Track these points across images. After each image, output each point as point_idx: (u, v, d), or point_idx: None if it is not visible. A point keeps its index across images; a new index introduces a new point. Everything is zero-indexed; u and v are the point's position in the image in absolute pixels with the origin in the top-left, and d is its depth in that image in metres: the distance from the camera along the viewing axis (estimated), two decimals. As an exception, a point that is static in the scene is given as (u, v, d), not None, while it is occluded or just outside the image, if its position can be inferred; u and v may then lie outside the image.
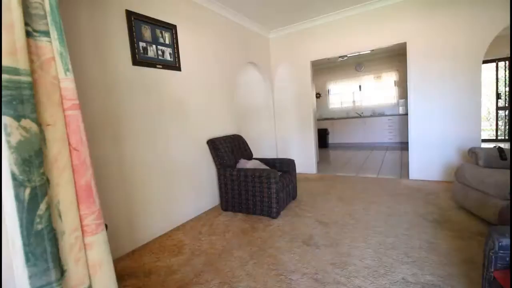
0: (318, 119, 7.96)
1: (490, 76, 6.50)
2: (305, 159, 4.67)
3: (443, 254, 1.88)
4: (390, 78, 7.33)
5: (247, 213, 2.89)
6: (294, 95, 4.66)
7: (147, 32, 2.49)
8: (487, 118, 6.76)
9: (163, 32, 2.65)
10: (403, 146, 6.64)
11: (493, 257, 1.18)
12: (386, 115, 7.07)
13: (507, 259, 1.16)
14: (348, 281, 1.67)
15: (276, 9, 3.72)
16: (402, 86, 7.03)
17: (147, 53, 2.48)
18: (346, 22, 4.04)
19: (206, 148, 3.14)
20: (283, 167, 3.22)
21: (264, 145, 4.90)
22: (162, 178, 2.59)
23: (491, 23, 3.13)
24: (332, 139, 7.81)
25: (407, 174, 3.88)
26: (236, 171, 2.88)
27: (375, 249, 2.01)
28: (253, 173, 2.75)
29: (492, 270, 1.18)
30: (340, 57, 6.81)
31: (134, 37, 2.35)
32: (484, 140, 6.48)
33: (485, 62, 6.30)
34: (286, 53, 4.64)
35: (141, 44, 2.43)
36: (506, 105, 6.43)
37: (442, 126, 3.53)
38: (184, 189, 2.84)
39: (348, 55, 6.68)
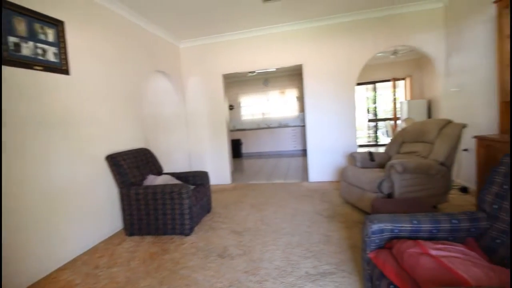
0: (232, 130, 8.20)
1: (368, 95, 8.30)
2: (219, 170, 4.69)
3: (336, 243, 2.21)
4: (292, 93, 8.31)
5: (156, 235, 2.64)
6: (207, 106, 4.66)
7: (21, 25, 2.01)
8: (362, 128, 8.52)
9: (45, 27, 2.19)
10: (305, 153, 7.57)
11: (367, 241, 1.45)
12: (290, 126, 7.95)
13: (377, 241, 1.45)
14: (260, 286, 1.74)
15: (185, 21, 3.68)
16: (302, 101, 8.08)
17: (20, 51, 2.00)
18: (255, 41, 4.37)
19: (105, 165, 2.72)
20: (196, 181, 3.13)
21: (177, 158, 4.66)
22: (42, 204, 2.07)
23: (363, 54, 4.00)
24: (245, 149, 8.16)
25: (307, 178, 4.43)
26: (143, 189, 2.61)
27: (283, 249, 2.18)
28: (163, 190, 2.55)
29: (368, 252, 1.46)
30: (249, 72, 7.27)
31: (-2, 29, 1.85)
32: (361, 146, 8.12)
33: (359, 84, 8.00)
34: (199, 64, 4.61)
35: (12, 39, 1.94)
36: (373, 118, 8.29)
37: (331, 135, 4.23)
38: (73, 216, 2.36)
39: (256, 71, 7.22)
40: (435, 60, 3.84)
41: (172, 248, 2.34)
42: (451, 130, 2.65)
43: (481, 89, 3.04)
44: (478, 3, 3.01)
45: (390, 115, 7.90)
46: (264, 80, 8.36)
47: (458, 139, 2.61)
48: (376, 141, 8.34)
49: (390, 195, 2.58)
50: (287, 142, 7.93)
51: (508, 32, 2.28)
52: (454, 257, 1.13)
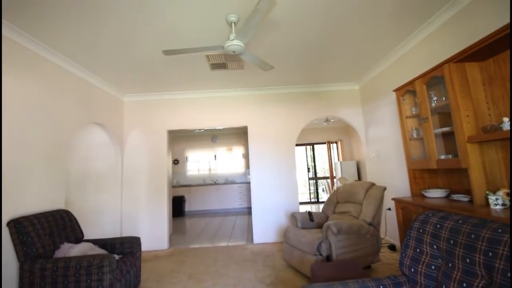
0: (175, 186, 7.76)
1: (308, 155, 8.99)
2: (155, 233, 4.22)
3: (278, 318, 2.06)
4: (239, 151, 8.56)
5: (62, 324, 2.08)
6: (148, 161, 4.41)
7: None
8: (304, 185, 9.00)
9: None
10: (250, 210, 7.46)
11: (305, 315, 1.39)
12: (237, 183, 7.94)
13: (314, 314, 1.40)
14: None
15: (130, 78, 3.70)
16: (248, 158, 8.33)
17: None
18: (201, 102, 4.58)
19: (5, 233, 2.20)
20: (125, 248, 2.73)
21: (105, 221, 4.08)
22: None
23: (299, 121, 4.50)
24: (189, 206, 7.68)
25: (252, 239, 4.27)
26: (52, 262, 2.14)
27: (221, 331, 1.93)
28: (78, 263, 2.13)
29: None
30: (197, 129, 7.37)
31: None
32: (302, 203, 8.43)
33: (300, 145, 8.75)
34: (142, 118, 4.51)
35: None
36: (313, 176, 8.91)
37: (274, 194, 4.33)
38: None
39: (204, 129, 7.37)
40: (357, 129, 4.53)
41: None
42: (375, 192, 2.99)
43: (393, 156, 3.62)
44: (381, 91, 3.81)
45: (328, 174, 8.62)
46: (212, 136, 8.52)
47: (381, 200, 2.94)
48: (317, 198, 8.80)
49: (328, 257, 2.63)
50: (233, 199, 7.79)
51: (407, 114, 2.89)
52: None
